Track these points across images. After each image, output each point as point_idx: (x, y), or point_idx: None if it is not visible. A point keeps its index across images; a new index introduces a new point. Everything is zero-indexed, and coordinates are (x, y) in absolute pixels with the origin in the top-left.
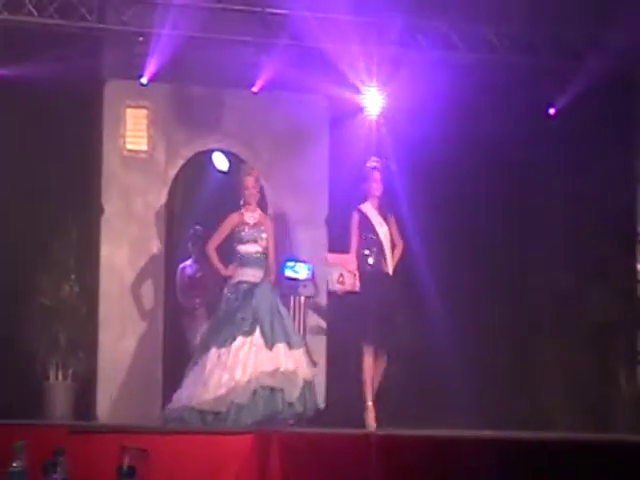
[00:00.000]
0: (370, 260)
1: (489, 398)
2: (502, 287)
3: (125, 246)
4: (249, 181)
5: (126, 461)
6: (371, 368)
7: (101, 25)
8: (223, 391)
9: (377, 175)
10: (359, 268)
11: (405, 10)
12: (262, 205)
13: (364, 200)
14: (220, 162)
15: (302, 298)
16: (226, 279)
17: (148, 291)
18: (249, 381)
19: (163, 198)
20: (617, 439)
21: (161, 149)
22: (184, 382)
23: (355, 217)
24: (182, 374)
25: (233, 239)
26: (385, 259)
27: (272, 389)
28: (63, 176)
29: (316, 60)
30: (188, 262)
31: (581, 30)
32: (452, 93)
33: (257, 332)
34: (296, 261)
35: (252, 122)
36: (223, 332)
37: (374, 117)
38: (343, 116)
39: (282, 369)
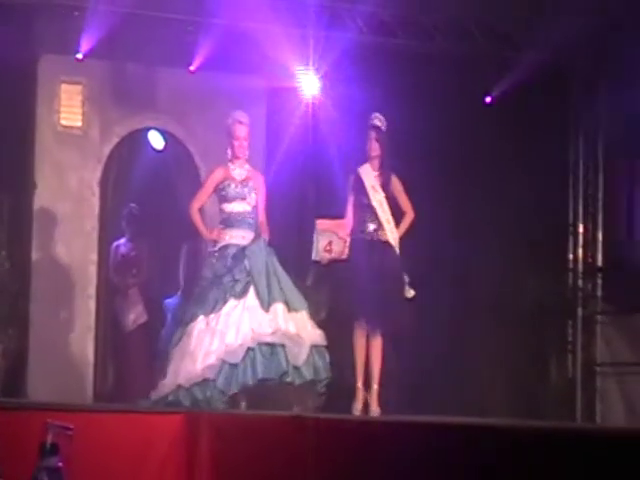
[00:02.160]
0: (369, 226)
1: (422, 384)
2: (438, 274)
3: (58, 223)
4: (240, 130)
5: (49, 438)
6: (363, 349)
7: None
8: (213, 359)
9: (373, 134)
10: (353, 234)
11: None
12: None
13: (364, 161)
14: (156, 140)
15: None
16: (212, 243)
17: (81, 269)
18: (242, 343)
19: (97, 175)
20: (547, 426)
21: (96, 126)
22: (169, 365)
23: (350, 179)
24: (113, 354)
25: (218, 197)
26: (382, 226)
27: (272, 346)
28: None
29: (253, 41)
30: (122, 241)
31: (517, 19)
32: (388, 79)
33: (251, 293)
34: None
35: (188, 101)
36: (210, 298)
37: (310, 99)
38: (280, 97)
39: (283, 330)
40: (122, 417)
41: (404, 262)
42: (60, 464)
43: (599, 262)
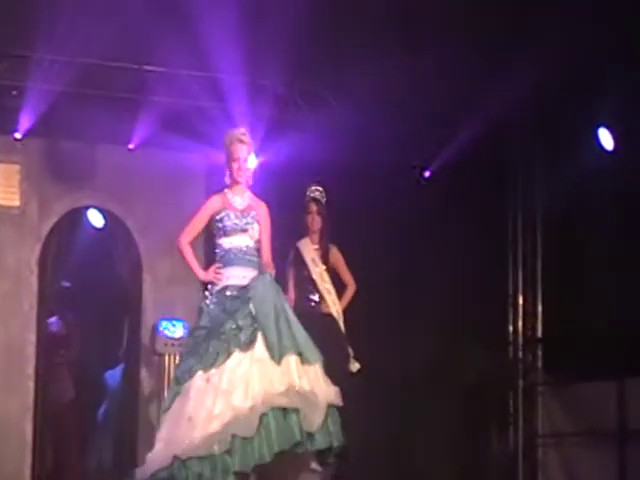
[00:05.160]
0: (311, 300)
1: (362, 456)
2: (378, 346)
3: None
4: (240, 150)
5: None
6: None
7: None
8: (217, 426)
9: (314, 207)
10: (296, 309)
11: (281, 71)
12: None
13: (303, 235)
14: (95, 218)
15: (177, 357)
16: (206, 286)
17: (19, 349)
18: (253, 407)
19: (36, 254)
20: None
21: (34, 205)
22: (158, 433)
23: (290, 255)
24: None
25: (214, 231)
26: (324, 299)
27: (285, 410)
28: None
29: (193, 118)
30: (53, 319)
31: (453, 94)
32: (325, 154)
33: (259, 342)
34: (171, 320)
35: (127, 179)
36: (210, 349)
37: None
38: (219, 174)
39: (297, 387)
40: None
41: (349, 335)
42: None
43: (539, 333)
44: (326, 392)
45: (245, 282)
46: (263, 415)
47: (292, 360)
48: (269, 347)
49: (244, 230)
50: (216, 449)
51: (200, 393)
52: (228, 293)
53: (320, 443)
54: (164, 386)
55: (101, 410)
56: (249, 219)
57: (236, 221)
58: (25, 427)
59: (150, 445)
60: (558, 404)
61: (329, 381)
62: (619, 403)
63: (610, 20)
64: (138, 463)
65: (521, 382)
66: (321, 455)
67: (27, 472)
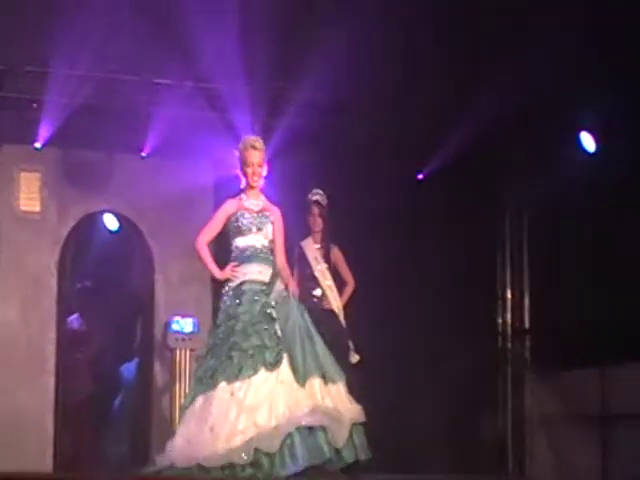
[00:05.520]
0: (313, 295)
1: None
2: (376, 339)
3: (17, 303)
4: (254, 156)
5: None
6: None
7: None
8: (240, 442)
9: (316, 210)
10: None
11: (280, 78)
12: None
13: (307, 235)
14: (110, 222)
15: (188, 351)
16: (222, 285)
17: (40, 348)
18: (277, 426)
19: (55, 256)
20: None
21: (53, 210)
22: (179, 428)
23: (295, 253)
24: (70, 428)
25: (229, 232)
26: (326, 295)
27: (311, 428)
28: None
29: (202, 126)
30: (74, 316)
31: (446, 99)
32: (325, 160)
33: (284, 364)
34: (181, 316)
35: (140, 185)
36: (235, 360)
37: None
38: (227, 178)
39: (321, 407)
40: None
41: (349, 328)
42: None
43: (526, 325)
44: (350, 410)
45: (262, 277)
46: (288, 434)
47: (316, 382)
48: (294, 370)
49: (259, 229)
50: (237, 459)
51: (223, 406)
52: (244, 287)
53: (347, 458)
54: (176, 378)
55: (116, 402)
56: (263, 219)
57: (251, 220)
58: (46, 421)
59: (163, 435)
60: (545, 390)
61: (352, 399)
62: (602, 389)
63: (593, 27)
64: (151, 451)
65: (510, 370)
66: (347, 467)
67: (49, 462)
